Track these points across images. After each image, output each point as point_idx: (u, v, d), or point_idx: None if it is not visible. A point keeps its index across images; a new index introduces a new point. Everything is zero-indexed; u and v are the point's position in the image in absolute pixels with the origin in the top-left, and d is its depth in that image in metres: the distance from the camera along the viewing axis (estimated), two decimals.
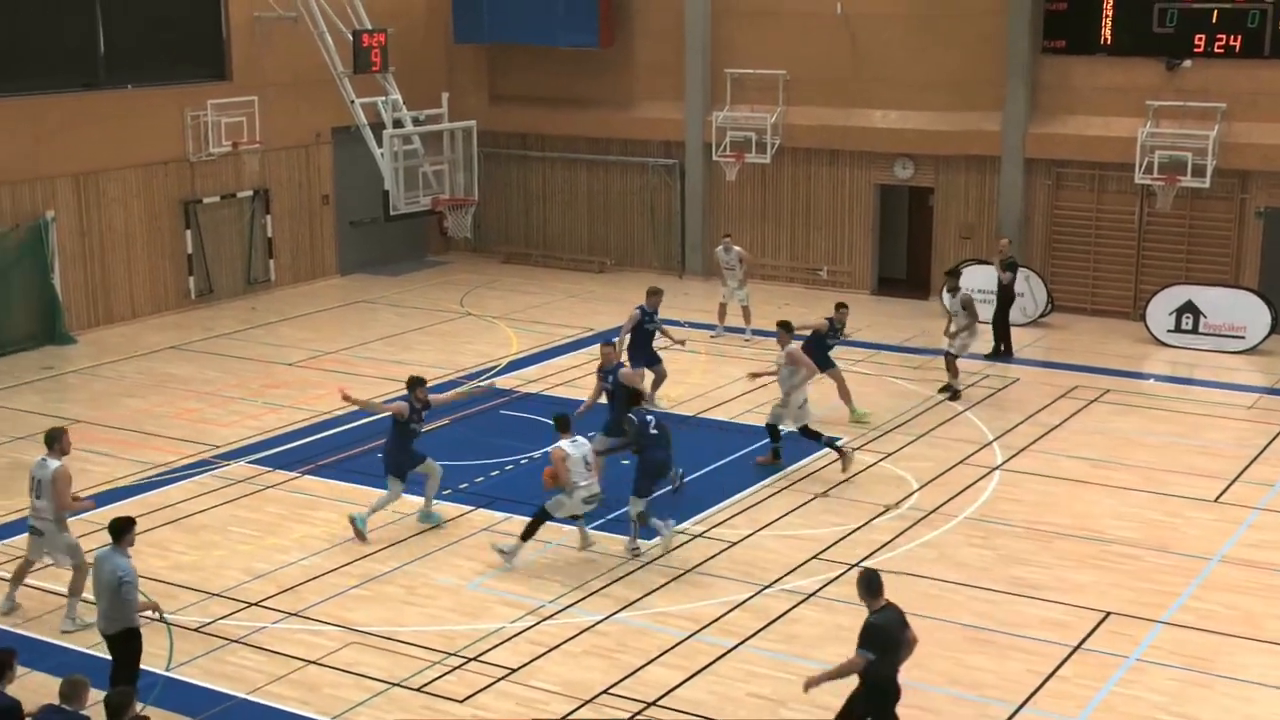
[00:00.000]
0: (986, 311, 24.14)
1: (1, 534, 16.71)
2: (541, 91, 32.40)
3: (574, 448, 15.76)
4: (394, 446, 16.79)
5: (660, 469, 16.42)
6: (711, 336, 25.59)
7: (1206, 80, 26.10)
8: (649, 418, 16.42)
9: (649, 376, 20.90)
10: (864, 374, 23.46)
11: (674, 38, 30.64)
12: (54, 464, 14.27)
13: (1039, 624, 14.49)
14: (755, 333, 25.00)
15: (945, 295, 23.36)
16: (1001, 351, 24.36)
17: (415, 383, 16.86)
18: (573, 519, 16.19)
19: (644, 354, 21.20)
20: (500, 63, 32.86)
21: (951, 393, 22.02)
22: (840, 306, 21.15)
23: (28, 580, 14.98)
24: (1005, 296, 24.71)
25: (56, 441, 14.44)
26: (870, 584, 11.12)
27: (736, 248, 25.63)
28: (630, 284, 28.42)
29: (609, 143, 31.98)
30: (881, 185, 29.54)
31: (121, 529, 12.45)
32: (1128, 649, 13.97)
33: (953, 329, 22.32)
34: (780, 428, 19.02)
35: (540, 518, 15.89)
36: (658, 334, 21.36)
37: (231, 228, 28.89)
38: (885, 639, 10.92)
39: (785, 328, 19.19)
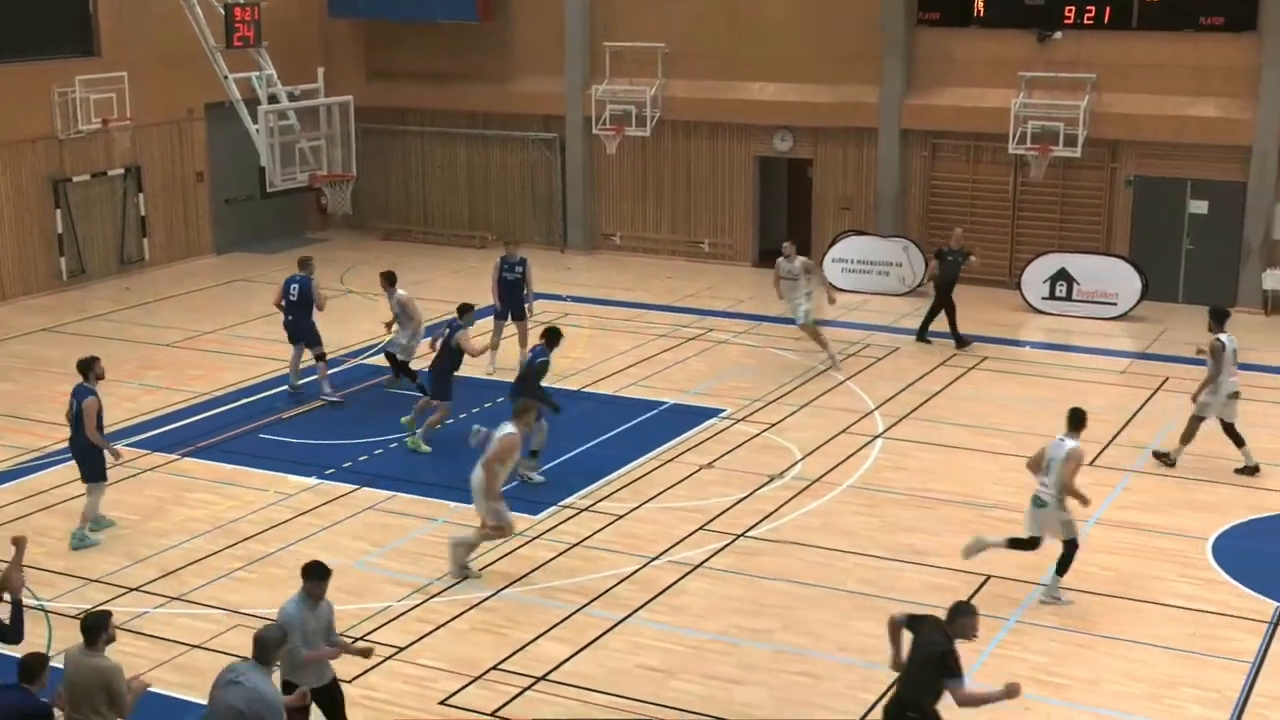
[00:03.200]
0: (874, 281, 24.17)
1: None
2: (420, 67, 32.08)
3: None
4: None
5: None
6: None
7: (1077, 52, 26.53)
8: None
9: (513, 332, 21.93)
10: (747, 345, 23.62)
11: (553, 11, 30.49)
12: None
13: (922, 589, 14.70)
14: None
15: (1226, 338, 17.76)
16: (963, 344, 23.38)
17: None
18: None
19: (509, 306, 22.06)
20: (378, 38, 32.47)
21: (1170, 461, 18.32)
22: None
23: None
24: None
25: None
26: (956, 612, 10.68)
27: (801, 257, 22.34)
28: None
29: (489, 117, 31.77)
30: (761, 157, 29.68)
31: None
32: (1008, 611, 14.23)
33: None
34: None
35: None
36: (527, 288, 22.08)
37: (103, 206, 28.28)
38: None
39: (388, 278, 20.79)
